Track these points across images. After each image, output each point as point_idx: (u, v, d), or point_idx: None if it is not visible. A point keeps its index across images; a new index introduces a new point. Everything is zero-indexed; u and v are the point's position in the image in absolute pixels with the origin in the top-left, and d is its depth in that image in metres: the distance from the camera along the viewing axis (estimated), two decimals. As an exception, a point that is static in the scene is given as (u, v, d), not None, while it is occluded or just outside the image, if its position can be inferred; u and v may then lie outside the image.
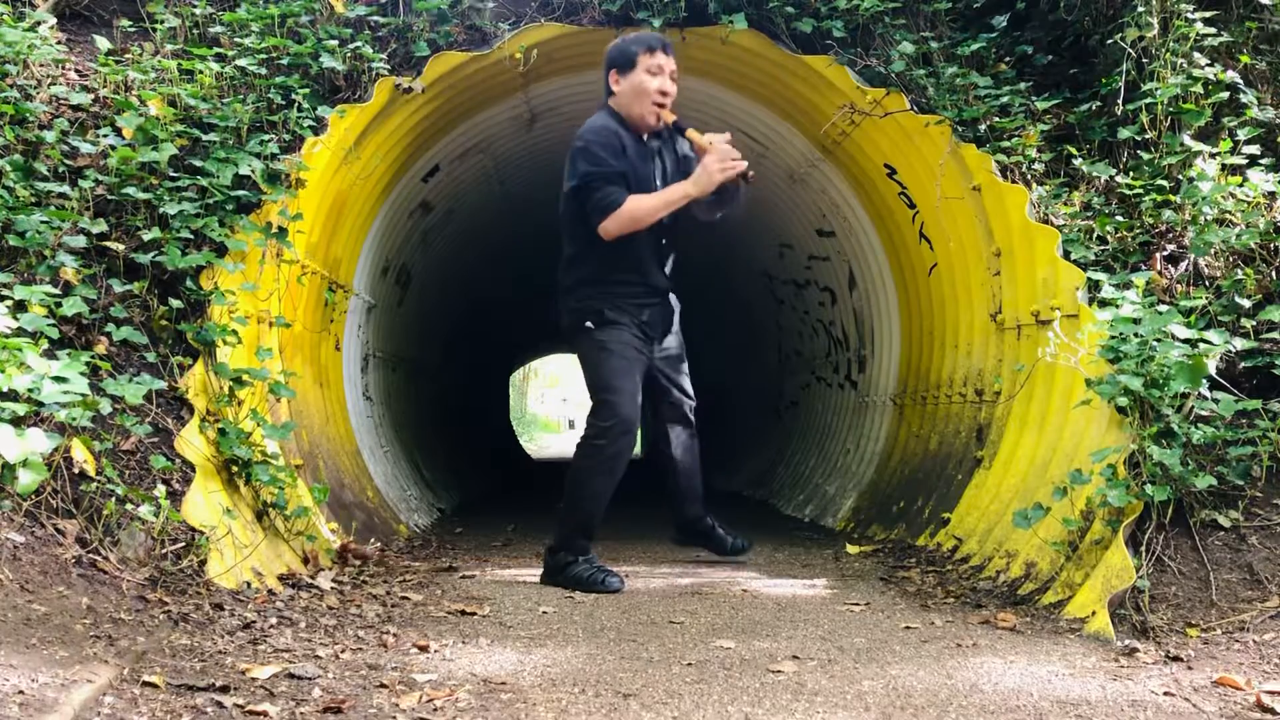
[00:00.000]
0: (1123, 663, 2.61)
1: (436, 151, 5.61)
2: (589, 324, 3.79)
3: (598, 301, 3.79)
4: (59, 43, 4.32)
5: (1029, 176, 4.24)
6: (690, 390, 4.15)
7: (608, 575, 3.69)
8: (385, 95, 4.59)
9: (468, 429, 10.63)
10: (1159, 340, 3.16)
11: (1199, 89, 3.99)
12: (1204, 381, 3.10)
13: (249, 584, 3.12)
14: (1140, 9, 4.15)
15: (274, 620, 2.87)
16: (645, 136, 3.86)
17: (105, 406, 2.94)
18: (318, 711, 2.16)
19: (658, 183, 3.82)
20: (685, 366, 4.16)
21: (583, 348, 3.84)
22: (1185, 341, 3.15)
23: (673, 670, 2.57)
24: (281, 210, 3.92)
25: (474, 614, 3.25)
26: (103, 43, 4.24)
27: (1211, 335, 3.14)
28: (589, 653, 2.76)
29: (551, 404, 49.47)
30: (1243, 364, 3.42)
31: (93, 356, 3.11)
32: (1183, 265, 3.80)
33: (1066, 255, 3.90)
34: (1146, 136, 4.09)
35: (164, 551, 2.93)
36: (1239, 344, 3.35)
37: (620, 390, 3.73)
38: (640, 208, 3.65)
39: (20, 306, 3.08)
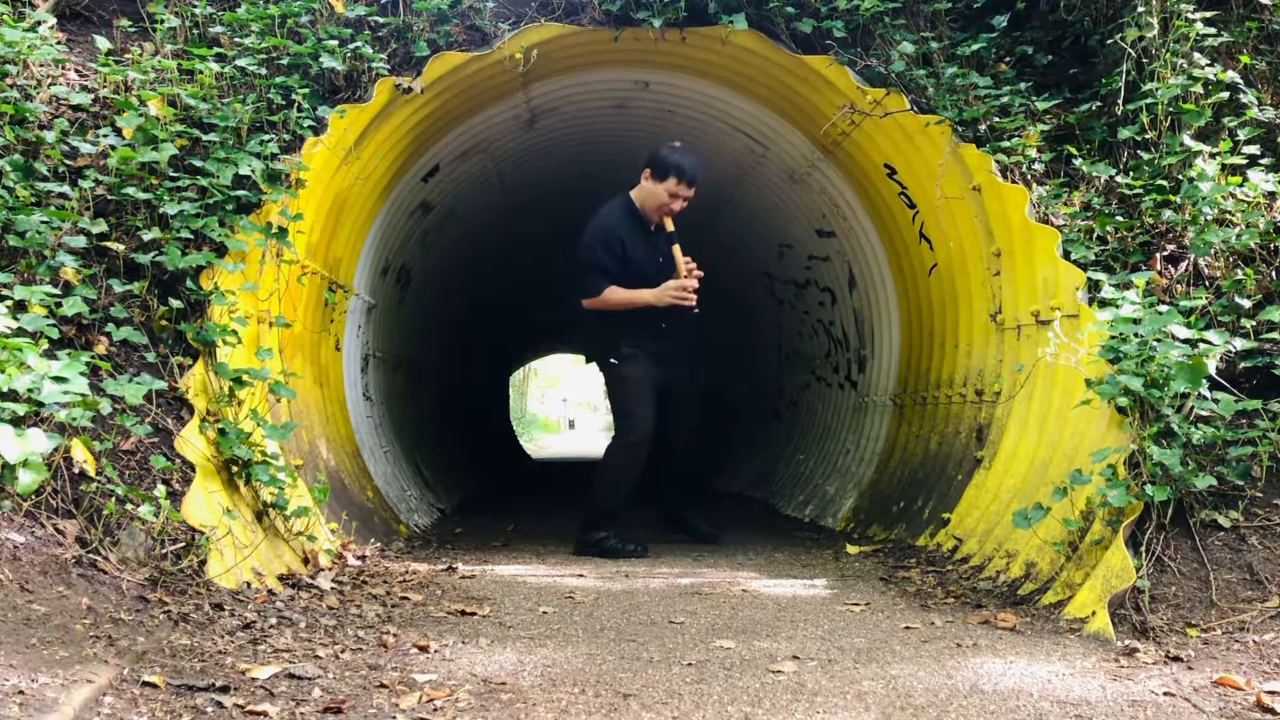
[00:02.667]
0: (1123, 663, 2.61)
1: (436, 151, 5.61)
2: (612, 360, 4.69)
3: (616, 337, 4.67)
4: (59, 43, 4.32)
5: (1029, 176, 4.24)
6: (698, 404, 5.09)
7: (634, 545, 4.56)
8: (385, 95, 4.59)
9: (468, 429, 10.63)
10: (1159, 340, 3.16)
11: (1199, 89, 3.99)
12: (1204, 381, 3.10)
13: (249, 584, 3.12)
14: (1140, 9, 4.15)
15: (274, 620, 2.87)
16: (651, 225, 4.80)
17: (105, 406, 2.94)
18: (318, 711, 2.17)
19: (646, 259, 4.73)
20: (696, 387, 5.08)
21: (608, 378, 4.79)
22: (1185, 341, 3.15)
23: (673, 670, 2.57)
24: (281, 210, 3.92)
25: (474, 614, 3.25)
26: (103, 43, 4.24)
27: (1211, 335, 3.14)
28: (589, 653, 2.76)
29: (551, 404, 49.44)
30: (1243, 364, 3.42)
31: (93, 356, 3.11)
32: (1183, 265, 3.80)
33: (1066, 255, 3.90)
34: (1146, 136, 4.10)
35: (164, 551, 2.93)
36: (1239, 344, 3.35)
37: (638, 414, 4.65)
38: (611, 299, 4.65)
39: (20, 306, 3.08)
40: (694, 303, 4.64)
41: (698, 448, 5.11)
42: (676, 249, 4.72)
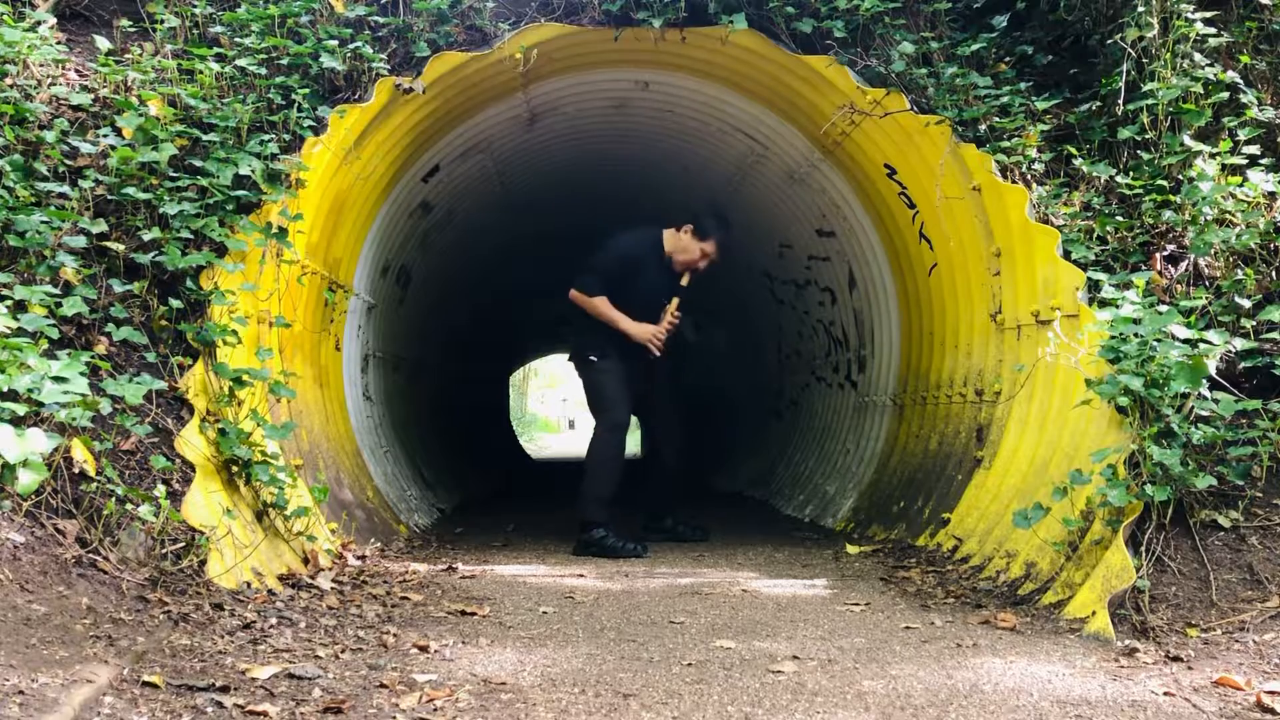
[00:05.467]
0: (1123, 663, 2.61)
1: (436, 151, 5.61)
2: (592, 357, 4.96)
3: (602, 340, 4.93)
4: (59, 43, 4.32)
5: (1029, 176, 4.23)
6: (679, 421, 5.41)
7: (634, 544, 4.70)
8: (385, 95, 4.59)
9: (468, 429, 10.63)
10: (1159, 340, 3.16)
11: (1199, 89, 3.99)
12: (1204, 381, 3.10)
13: (249, 584, 3.12)
14: (1140, 9, 4.15)
15: (274, 620, 2.87)
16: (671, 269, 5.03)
17: (105, 406, 2.94)
18: (318, 711, 2.17)
19: (653, 294, 4.96)
20: (675, 404, 5.42)
21: (586, 374, 5.04)
22: (1185, 341, 3.15)
23: (673, 670, 2.57)
24: (281, 210, 3.92)
25: (474, 614, 3.25)
26: (103, 43, 4.24)
27: (1211, 335, 3.14)
28: (589, 653, 2.76)
29: (551, 404, 49.40)
30: (1243, 364, 3.42)
31: (93, 356, 3.11)
32: (1183, 265, 3.80)
33: (1066, 255, 3.90)
34: (1146, 136, 4.09)
35: (164, 551, 2.93)
36: (1239, 344, 3.35)
37: (616, 403, 4.93)
38: (596, 306, 4.90)
39: (20, 306, 3.08)
40: (658, 353, 4.93)
41: (680, 447, 5.34)
42: (675, 301, 4.98)
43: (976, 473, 4.44)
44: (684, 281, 5.00)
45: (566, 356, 5.29)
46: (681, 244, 4.97)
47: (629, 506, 4.98)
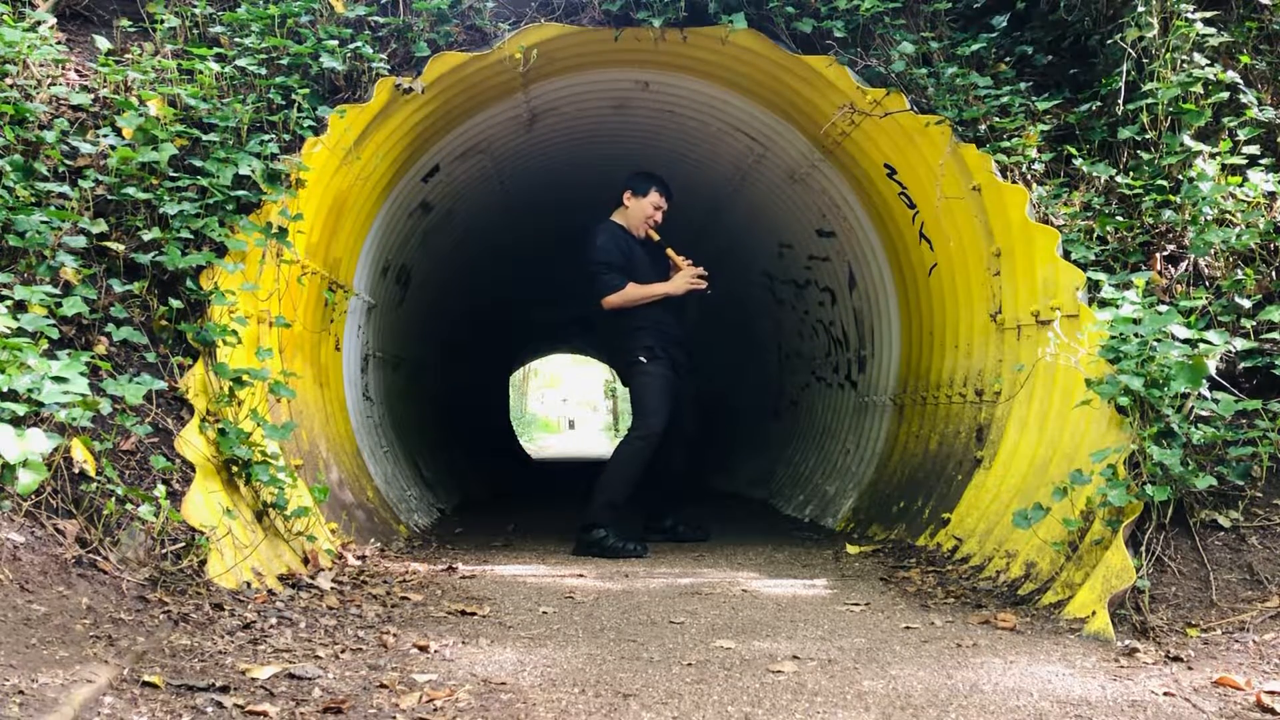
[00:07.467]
0: (1123, 663, 2.61)
1: (436, 151, 5.61)
2: (642, 359, 4.98)
3: (648, 340, 4.99)
4: (59, 43, 4.32)
5: (1029, 176, 4.24)
6: (695, 420, 5.41)
7: (634, 544, 4.69)
8: (385, 95, 4.59)
9: (468, 429, 10.63)
10: (1159, 340, 3.16)
11: (1199, 89, 3.99)
12: (1204, 381, 3.10)
13: (249, 584, 3.12)
14: (1140, 9, 4.15)
15: (274, 620, 2.87)
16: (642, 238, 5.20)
17: (105, 406, 2.94)
18: (318, 711, 2.17)
19: (648, 268, 5.11)
20: (693, 394, 5.39)
21: (634, 376, 5.03)
22: (1185, 341, 3.15)
23: (673, 670, 2.57)
24: (281, 210, 3.92)
25: (474, 614, 3.25)
26: (103, 43, 4.24)
27: (1211, 335, 3.14)
28: (589, 653, 2.76)
29: (551, 404, 49.42)
30: (1243, 364, 3.42)
31: (93, 356, 3.11)
32: (1183, 265, 3.80)
33: (1066, 255, 3.90)
34: (1146, 136, 4.09)
35: (164, 551, 2.93)
36: (1239, 344, 3.35)
37: (660, 411, 4.93)
38: (632, 294, 5.01)
39: (20, 306, 3.08)
40: (707, 286, 5.10)
41: (690, 450, 5.35)
42: (670, 250, 5.19)
43: (976, 473, 4.44)
44: (655, 239, 5.19)
45: (620, 380, 5.41)
46: (631, 211, 5.16)
47: (630, 506, 4.98)
